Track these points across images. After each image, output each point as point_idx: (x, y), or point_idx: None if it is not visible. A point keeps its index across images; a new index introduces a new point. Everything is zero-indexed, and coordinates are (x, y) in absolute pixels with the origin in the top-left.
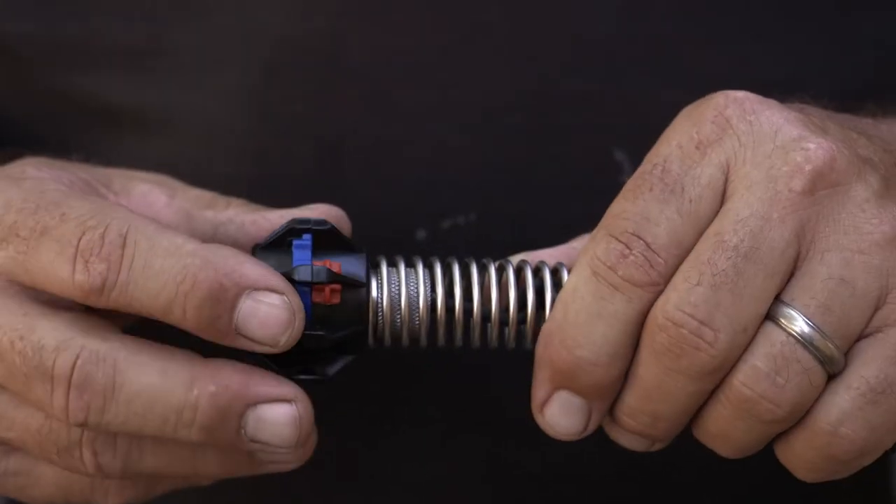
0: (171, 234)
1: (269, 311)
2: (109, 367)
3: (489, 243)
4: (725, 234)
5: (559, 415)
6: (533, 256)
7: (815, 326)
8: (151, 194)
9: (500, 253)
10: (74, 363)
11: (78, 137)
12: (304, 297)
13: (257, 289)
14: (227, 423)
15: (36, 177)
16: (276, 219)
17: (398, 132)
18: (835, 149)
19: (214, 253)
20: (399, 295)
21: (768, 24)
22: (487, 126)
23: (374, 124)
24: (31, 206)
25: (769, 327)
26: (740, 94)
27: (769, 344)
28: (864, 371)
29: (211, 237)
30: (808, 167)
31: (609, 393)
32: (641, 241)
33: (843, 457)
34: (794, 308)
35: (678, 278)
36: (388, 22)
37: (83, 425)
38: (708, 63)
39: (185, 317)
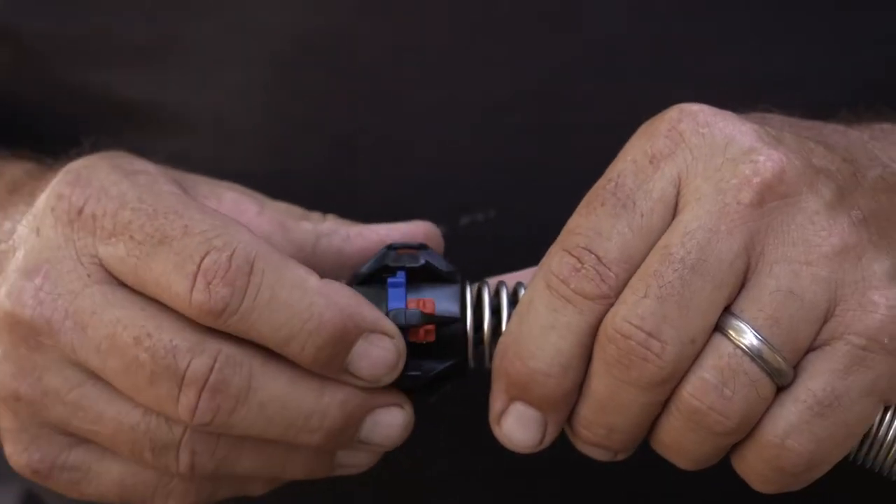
0: (293, 264)
1: (380, 354)
2: (246, 372)
3: (509, 240)
4: (673, 246)
5: (515, 427)
6: (511, 277)
7: (763, 339)
8: (242, 202)
9: (520, 250)
10: (212, 367)
11: (92, 133)
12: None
13: (373, 331)
14: (350, 427)
15: (148, 172)
16: (378, 234)
17: (411, 129)
18: (785, 160)
19: (337, 292)
20: (486, 323)
21: (771, 23)
22: (502, 122)
23: (387, 121)
24: (147, 207)
25: (717, 339)
26: (695, 106)
27: (717, 356)
28: (812, 384)
29: (312, 248)
30: (756, 179)
31: (562, 405)
32: (593, 256)
33: (792, 469)
34: (742, 320)
35: (627, 291)
36: (399, 19)
37: (206, 426)
38: (712, 63)
39: (303, 352)
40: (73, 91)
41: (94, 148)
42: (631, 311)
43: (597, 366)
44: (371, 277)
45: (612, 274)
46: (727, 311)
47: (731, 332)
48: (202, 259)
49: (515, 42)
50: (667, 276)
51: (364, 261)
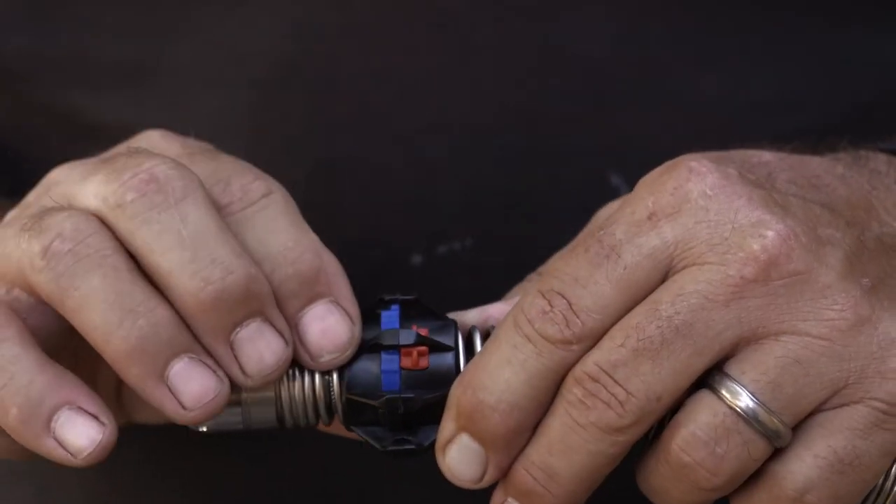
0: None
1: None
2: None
3: (487, 269)
4: (662, 303)
5: (457, 458)
6: (486, 314)
7: (761, 402)
8: None
9: (498, 278)
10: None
11: (66, 155)
12: (393, 363)
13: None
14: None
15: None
16: None
17: (392, 154)
18: (792, 237)
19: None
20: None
21: (763, 44)
22: (482, 149)
23: (367, 146)
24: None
25: (711, 399)
26: (704, 166)
27: (711, 413)
28: (833, 442)
29: None
30: (763, 256)
31: (505, 445)
32: (564, 301)
33: None
34: (739, 382)
35: (605, 338)
36: (381, 42)
37: None
38: (703, 85)
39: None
40: (49, 112)
41: None
42: (604, 357)
43: (556, 406)
44: (365, 317)
45: (578, 321)
46: (723, 370)
47: (725, 393)
48: (228, 173)
49: (497, 66)
50: (648, 331)
51: None
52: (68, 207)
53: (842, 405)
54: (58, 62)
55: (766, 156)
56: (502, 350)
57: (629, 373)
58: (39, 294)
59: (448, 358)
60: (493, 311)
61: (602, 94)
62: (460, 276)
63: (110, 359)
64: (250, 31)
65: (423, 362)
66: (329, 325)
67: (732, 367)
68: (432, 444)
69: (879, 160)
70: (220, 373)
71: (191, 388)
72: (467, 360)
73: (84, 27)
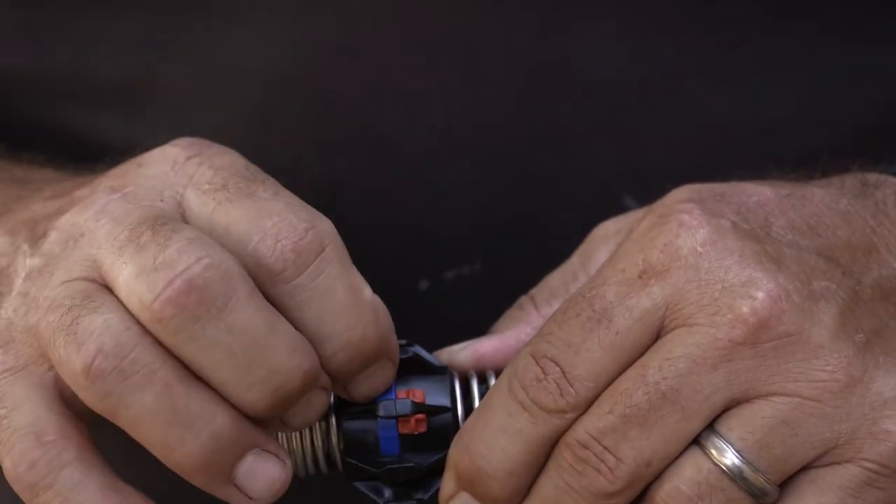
0: (356, 271)
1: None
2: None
3: (495, 294)
4: (649, 368)
5: None
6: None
7: (747, 461)
8: None
9: (507, 304)
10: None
11: (68, 172)
12: (391, 430)
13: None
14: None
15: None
16: None
17: (396, 176)
18: (783, 298)
19: (383, 312)
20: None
21: (775, 60)
22: (490, 170)
23: (371, 168)
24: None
25: (697, 454)
26: (695, 219)
27: (696, 469)
28: (824, 499)
29: None
30: (752, 319)
31: None
32: (558, 369)
33: None
34: (725, 440)
35: (595, 405)
36: (384, 62)
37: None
38: (715, 104)
39: (334, 357)
40: (46, 131)
41: None
42: (593, 424)
43: (549, 470)
44: None
45: (572, 390)
46: (712, 427)
47: (712, 450)
48: (280, 219)
49: (504, 86)
50: (635, 398)
51: None
52: (103, 304)
53: (832, 463)
54: (56, 80)
55: (767, 192)
56: (497, 417)
57: (618, 439)
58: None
59: (446, 418)
60: (485, 349)
61: (613, 114)
62: (468, 301)
63: (174, 469)
64: (249, 49)
65: (422, 427)
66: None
67: (721, 425)
68: (433, 495)
69: (888, 188)
70: (283, 454)
71: (259, 484)
72: (466, 412)
73: (82, 45)
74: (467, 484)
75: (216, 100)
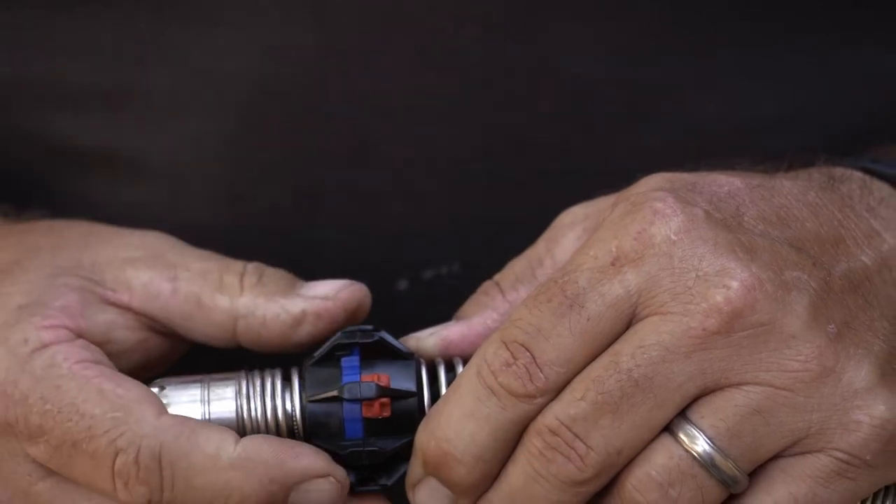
0: (204, 440)
1: (319, 497)
2: None
3: (472, 294)
4: (622, 356)
5: (426, 499)
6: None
7: (718, 448)
8: (153, 284)
9: None
10: None
11: (47, 179)
12: (355, 412)
13: (303, 481)
14: None
15: (46, 344)
16: (297, 308)
17: (376, 178)
18: (757, 287)
19: (256, 455)
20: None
21: (758, 61)
22: (469, 172)
23: (351, 170)
24: (51, 408)
25: (668, 441)
26: (669, 207)
27: (667, 456)
28: (794, 488)
29: (231, 332)
30: (726, 308)
31: (472, 491)
32: (528, 354)
33: None
34: (697, 427)
35: (566, 390)
36: (365, 67)
37: None
38: (697, 105)
39: None
40: (27, 137)
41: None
42: (563, 411)
43: (518, 456)
44: (326, 358)
45: (542, 375)
46: (684, 414)
47: (683, 437)
48: (113, 462)
49: (484, 89)
50: (607, 385)
51: (286, 343)
52: None
53: (803, 453)
54: (35, 87)
55: (737, 183)
56: (465, 402)
57: (589, 427)
58: None
59: (412, 403)
60: (453, 335)
61: (594, 117)
62: (447, 301)
63: None
64: (228, 54)
65: (386, 411)
66: (315, 501)
67: (693, 412)
68: (398, 481)
69: (853, 182)
70: None
71: None
72: (432, 398)
73: (61, 52)
74: (434, 469)
75: (196, 104)
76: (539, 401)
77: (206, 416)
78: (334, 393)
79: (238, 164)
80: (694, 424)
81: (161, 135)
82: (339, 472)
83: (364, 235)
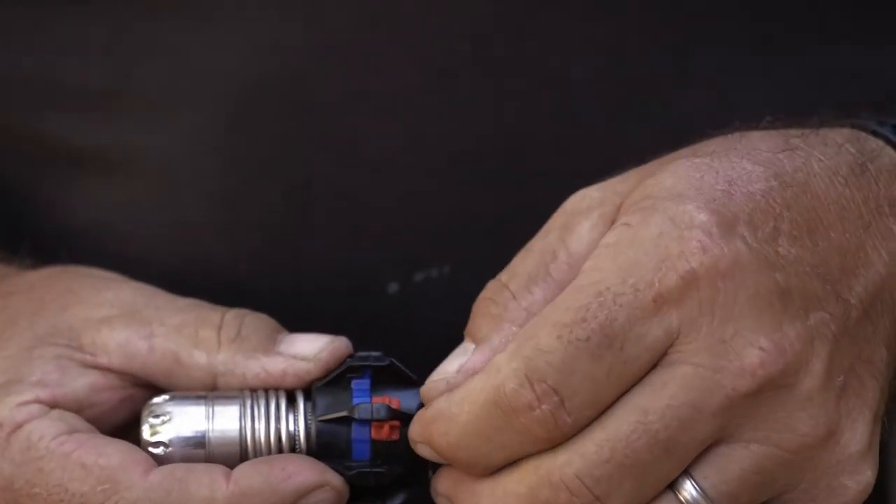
0: (195, 486)
1: None
2: None
3: (465, 297)
4: (652, 414)
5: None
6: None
7: None
8: (129, 344)
9: None
10: None
11: (39, 178)
12: (364, 434)
13: (301, 497)
14: None
15: (20, 423)
16: (277, 369)
17: (367, 179)
18: (788, 349)
19: (246, 492)
20: None
21: (749, 59)
22: (459, 173)
23: (342, 170)
24: (37, 490)
25: (669, 497)
26: (715, 243)
27: None
28: None
29: (212, 387)
30: (760, 372)
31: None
32: (556, 398)
33: None
34: (699, 488)
35: (588, 444)
36: (356, 65)
37: None
38: (688, 102)
39: None
40: (19, 135)
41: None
42: (587, 471)
43: (521, 491)
44: (336, 380)
45: (569, 421)
46: (688, 471)
47: (685, 495)
48: None
49: (476, 88)
50: (636, 446)
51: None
52: None
53: None
54: (28, 85)
55: (770, 182)
56: (481, 424)
57: (611, 488)
58: None
59: None
60: (478, 366)
61: (585, 115)
62: (438, 304)
63: None
64: (221, 52)
65: (395, 434)
66: None
67: (696, 471)
68: None
69: (884, 159)
70: None
71: None
72: None
73: (53, 49)
74: (434, 454)
75: (188, 102)
76: (560, 441)
77: (209, 435)
78: (345, 413)
79: (231, 162)
80: (697, 484)
81: (154, 133)
82: (334, 478)
83: (355, 237)
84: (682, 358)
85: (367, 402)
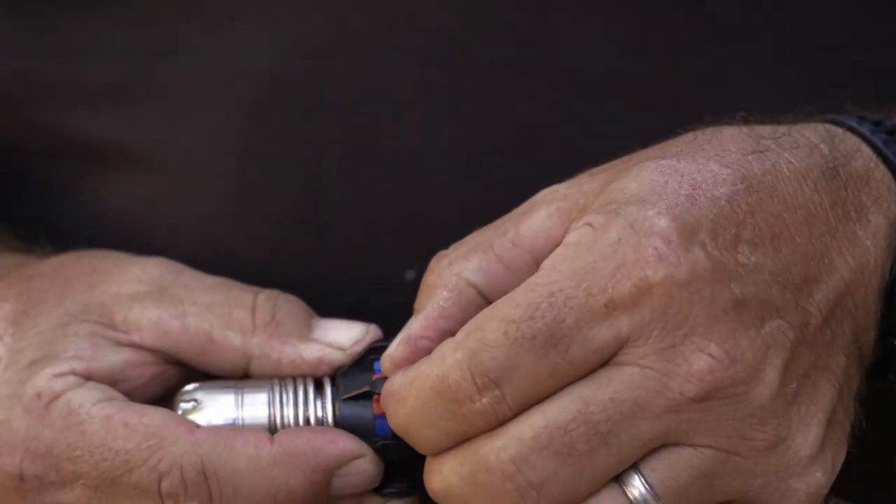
0: (241, 444)
1: (359, 479)
2: None
3: None
4: (594, 405)
5: None
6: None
7: None
8: (162, 322)
9: None
10: None
11: (62, 175)
12: None
13: (341, 465)
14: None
15: (59, 394)
16: (313, 356)
17: (385, 172)
18: (739, 359)
19: (293, 448)
20: None
21: (763, 56)
22: (476, 166)
23: (359, 164)
24: (79, 453)
25: (615, 491)
26: (672, 252)
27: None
28: None
29: (244, 369)
30: (708, 378)
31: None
32: (498, 392)
33: None
34: (646, 482)
35: (525, 430)
36: (372, 62)
37: None
38: (703, 99)
39: None
40: (42, 133)
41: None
42: (522, 457)
43: (462, 471)
44: (359, 363)
45: (509, 412)
46: (636, 466)
47: (631, 489)
48: (159, 487)
49: (490, 84)
50: (574, 435)
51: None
52: None
53: None
54: (51, 84)
55: (736, 185)
56: (426, 410)
57: (547, 476)
58: None
59: None
60: (415, 333)
61: (600, 110)
62: None
63: None
64: (241, 51)
65: None
66: (355, 485)
67: (645, 464)
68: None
69: (858, 162)
70: None
71: None
72: None
73: (76, 48)
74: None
75: (210, 101)
76: (497, 426)
77: (240, 422)
78: (366, 388)
79: (250, 159)
80: (644, 478)
81: (175, 130)
82: (371, 452)
83: (373, 227)
84: (630, 360)
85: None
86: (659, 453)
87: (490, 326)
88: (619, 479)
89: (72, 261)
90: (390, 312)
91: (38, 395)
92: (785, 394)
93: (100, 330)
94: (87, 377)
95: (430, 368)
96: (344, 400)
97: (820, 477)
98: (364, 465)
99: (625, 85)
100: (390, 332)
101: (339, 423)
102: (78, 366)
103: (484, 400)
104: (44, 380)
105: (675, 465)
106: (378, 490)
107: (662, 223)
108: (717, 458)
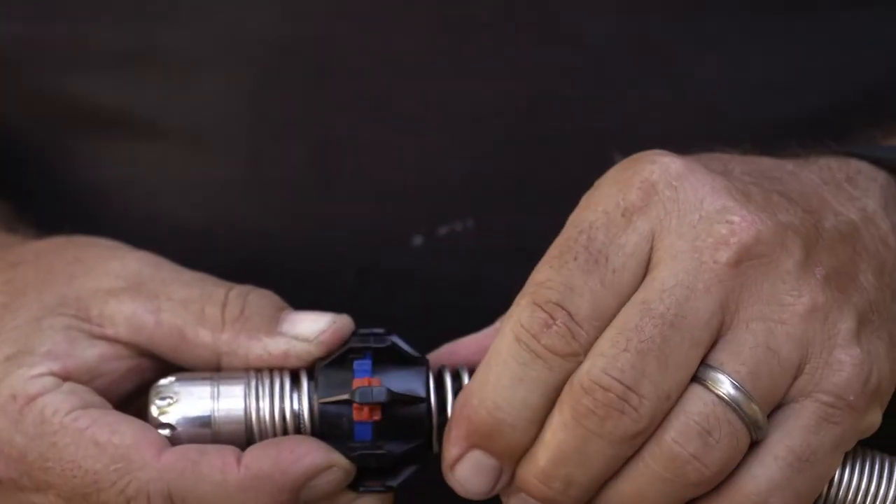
0: (207, 469)
1: (329, 487)
2: None
3: (487, 250)
4: (652, 301)
5: (470, 474)
6: (452, 350)
7: (745, 390)
8: (136, 317)
9: (499, 260)
10: None
11: (66, 140)
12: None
13: (308, 480)
14: None
15: (29, 405)
16: (279, 350)
17: (392, 136)
18: (759, 221)
19: (259, 469)
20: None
21: (767, 24)
22: (483, 130)
23: (367, 128)
24: (51, 464)
25: (699, 390)
26: (666, 158)
27: (701, 403)
28: (790, 441)
29: (216, 365)
30: (733, 240)
31: (520, 456)
32: (565, 312)
33: None
34: (722, 372)
35: (604, 344)
36: (381, 25)
37: None
38: (705, 65)
39: None
40: (47, 98)
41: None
42: (611, 364)
43: (566, 417)
44: (338, 360)
45: (583, 332)
46: (704, 363)
47: (710, 383)
48: None
49: (498, 49)
50: (647, 331)
51: None
52: None
53: (794, 400)
54: (54, 48)
55: (723, 155)
56: (511, 368)
57: (637, 375)
58: None
59: (421, 408)
60: (462, 348)
61: (605, 76)
62: (461, 257)
63: None
64: (247, 14)
65: (376, 416)
66: (323, 493)
67: (713, 360)
68: (403, 483)
69: (830, 162)
70: None
71: None
72: (440, 406)
73: (80, 13)
74: (483, 439)
75: (216, 64)
76: (582, 358)
77: (215, 414)
78: (346, 396)
79: (257, 123)
80: (719, 370)
81: (181, 94)
82: (340, 459)
83: (380, 192)
84: (662, 255)
85: (368, 387)
86: (718, 347)
87: (539, 271)
88: (697, 379)
89: (56, 248)
90: (396, 277)
91: (14, 397)
92: (811, 271)
93: (75, 323)
94: (65, 376)
95: (503, 331)
96: (322, 403)
97: (859, 352)
98: (330, 475)
99: (630, 50)
100: (395, 296)
101: (316, 422)
102: (54, 365)
103: (558, 321)
104: (20, 381)
105: (736, 351)
106: (353, 486)
107: (655, 150)
108: (766, 328)
